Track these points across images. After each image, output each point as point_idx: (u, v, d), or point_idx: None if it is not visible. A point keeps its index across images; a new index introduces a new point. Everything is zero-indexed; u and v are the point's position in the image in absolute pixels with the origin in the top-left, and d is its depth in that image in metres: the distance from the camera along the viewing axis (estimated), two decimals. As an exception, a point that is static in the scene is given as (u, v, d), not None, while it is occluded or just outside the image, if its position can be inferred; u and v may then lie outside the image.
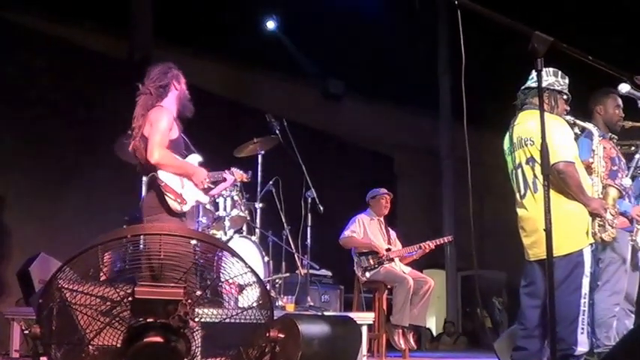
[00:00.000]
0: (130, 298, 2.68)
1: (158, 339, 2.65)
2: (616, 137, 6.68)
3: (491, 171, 7.93)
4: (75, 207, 10.01)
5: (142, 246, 2.79)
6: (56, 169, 10.09)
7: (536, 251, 5.59)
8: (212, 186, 6.43)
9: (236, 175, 6.99)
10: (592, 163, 5.97)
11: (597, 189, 5.86)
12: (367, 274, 9.26)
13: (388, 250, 9.35)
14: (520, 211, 5.78)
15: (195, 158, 6.07)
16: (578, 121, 5.96)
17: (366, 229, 9.54)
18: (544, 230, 3.65)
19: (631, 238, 6.47)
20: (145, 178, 5.84)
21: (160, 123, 5.67)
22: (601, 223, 5.66)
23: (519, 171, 5.74)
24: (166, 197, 5.61)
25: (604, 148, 6.21)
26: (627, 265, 6.54)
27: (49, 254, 7.85)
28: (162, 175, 5.63)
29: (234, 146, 8.47)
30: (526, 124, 5.71)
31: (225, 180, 6.56)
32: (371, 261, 9.27)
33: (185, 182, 5.81)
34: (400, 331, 9.07)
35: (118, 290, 2.72)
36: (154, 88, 5.84)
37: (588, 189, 5.68)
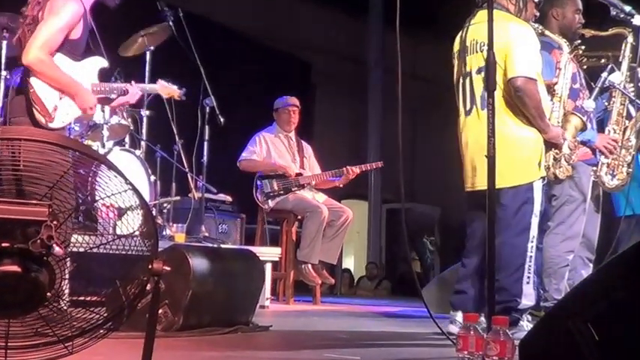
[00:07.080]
0: (-19, 217, 2.62)
1: (14, 268, 2.59)
2: (581, 48, 6.57)
3: (427, 86, 7.96)
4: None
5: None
6: None
7: (477, 181, 5.57)
8: (112, 96, 6.17)
9: (162, 90, 6.69)
10: (556, 83, 5.88)
11: (558, 115, 5.79)
12: (270, 202, 9.21)
13: (299, 174, 9.33)
14: (462, 131, 5.77)
15: (96, 62, 5.86)
16: (547, 32, 5.92)
17: (270, 148, 9.49)
18: (485, 157, 3.65)
19: (594, 173, 6.48)
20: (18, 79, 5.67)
21: (57, 19, 5.44)
22: (556, 156, 5.64)
23: (467, 80, 5.68)
24: (33, 107, 5.49)
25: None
26: (587, 205, 6.52)
27: None
28: (35, 82, 5.49)
29: (120, 42, 8.29)
30: (485, 24, 5.66)
31: (126, 93, 6.05)
32: (275, 186, 9.22)
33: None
34: (310, 266, 9.12)
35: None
36: None
37: (547, 113, 5.64)
